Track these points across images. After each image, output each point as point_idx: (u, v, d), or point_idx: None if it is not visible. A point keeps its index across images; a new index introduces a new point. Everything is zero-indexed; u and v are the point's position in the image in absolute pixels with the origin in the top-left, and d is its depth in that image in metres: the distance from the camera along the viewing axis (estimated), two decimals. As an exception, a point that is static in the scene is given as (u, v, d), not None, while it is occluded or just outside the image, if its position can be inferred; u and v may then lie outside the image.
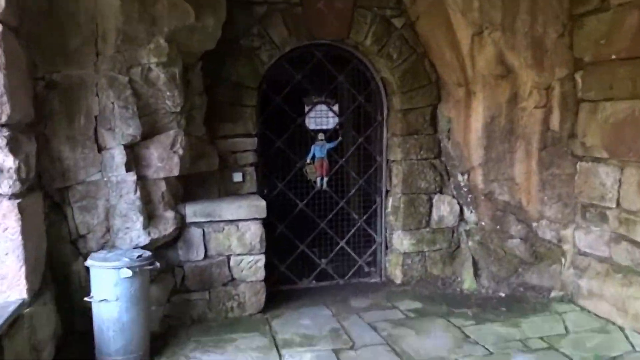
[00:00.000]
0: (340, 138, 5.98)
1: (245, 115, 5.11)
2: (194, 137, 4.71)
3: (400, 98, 5.54)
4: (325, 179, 5.95)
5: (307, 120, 5.91)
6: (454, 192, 5.83)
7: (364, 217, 6.03)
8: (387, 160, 5.90)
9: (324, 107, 5.95)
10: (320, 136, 5.89)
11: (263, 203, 4.83)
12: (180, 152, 4.36)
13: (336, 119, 5.95)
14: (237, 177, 5.11)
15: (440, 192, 5.81)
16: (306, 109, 5.91)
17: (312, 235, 5.86)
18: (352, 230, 6.00)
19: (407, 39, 5.45)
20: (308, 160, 5.89)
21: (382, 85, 5.78)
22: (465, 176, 5.68)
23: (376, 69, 5.70)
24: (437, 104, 5.69)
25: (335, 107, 5.96)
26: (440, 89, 5.66)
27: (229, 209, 4.72)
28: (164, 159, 4.31)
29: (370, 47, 5.39)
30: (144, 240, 4.17)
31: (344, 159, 5.98)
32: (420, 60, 5.53)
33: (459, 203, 5.82)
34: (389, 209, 5.88)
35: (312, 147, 5.87)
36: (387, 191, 5.94)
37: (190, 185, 4.88)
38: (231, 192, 5.13)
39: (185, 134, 4.47)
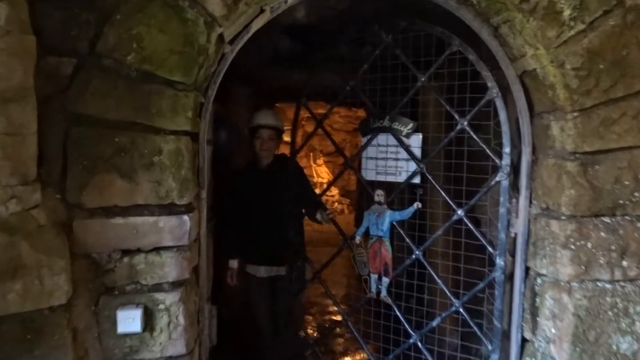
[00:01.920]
0: (416, 204, 2.83)
1: (159, 157, 1.94)
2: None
3: (575, 123, 2.12)
4: (386, 280, 2.96)
5: (363, 164, 3.05)
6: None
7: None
8: (528, 271, 2.49)
9: (390, 138, 2.92)
10: (378, 195, 2.95)
11: None
12: None
13: (410, 165, 2.86)
14: (129, 320, 1.90)
15: (666, 363, 2.28)
16: (362, 140, 3.03)
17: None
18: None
19: (599, -28, 2.06)
20: (357, 239, 3.07)
21: (522, 91, 2.41)
22: None
23: (510, 50, 2.34)
24: (669, 140, 2.21)
25: (415, 139, 2.83)
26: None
27: None
28: None
29: (502, -11, 2.06)
30: None
31: (421, 249, 2.82)
32: (632, 27, 2.10)
33: None
34: (528, 391, 2.45)
35: (365, 215, 3.03)
36: (524, 342, 2.51)
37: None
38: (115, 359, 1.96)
39: None
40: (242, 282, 3.41)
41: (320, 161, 13.80)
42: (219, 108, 4.24)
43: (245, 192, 3.34)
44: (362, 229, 3.05)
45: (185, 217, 1.96)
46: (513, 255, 2.57)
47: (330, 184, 3.70)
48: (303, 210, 3.44)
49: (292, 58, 4.74)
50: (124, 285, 1.95)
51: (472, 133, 2.54)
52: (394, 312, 2.98)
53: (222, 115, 3.96)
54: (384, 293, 2.99)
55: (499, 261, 2.59)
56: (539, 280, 2.41)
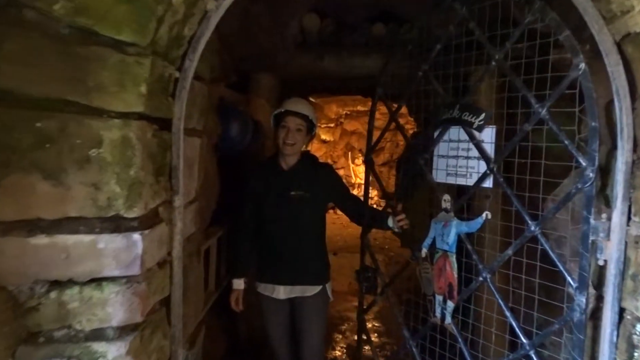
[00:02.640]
0: (486, 213, 2.22)
1: (98, 149, 1.37)
2: None
3: None
4: (451, 305, 2.37)
5: (434, 163, 2.50)
6: None
7: None
8: (622, 314, 1.80)
9: (460, 131, 2.35)
10: (446, 201, 2.40)
11: None
12: None
13: (480, 165, 2.28)
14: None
15: None
16: (434, 134, 2.46)
17: None
18: None
19: None
20: (423, 252, 2.52)
21: (620, 64, 1.72)
22: None
23: (607, 5, 1.65)
24: None
25: (487, 133, 2.24)
26: None
27: None
28: None
29: None
30: None
31: (488, 272, 2.20)
32: None
33: None
34: None
35: (432, 224, 2.50)
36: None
37: None
38: None
39: None
40: (255, 301, 2.88)
41: (358, 161, 13.20)
42: (236, 98, 3.71)
43: (261, 195, 2.77)
44: (428, 240, 2.51)
45: (136, 236, 1.38)
46: (598, 288, 1.89)
47: (404, 184, 3.15)
48: (354, 218, 2.97)
49: (321, 41, 4.15)
50: (52, 331, 1.38)
51: (552, 125, 1.87)
52: (455, 342, 2.41)
53: (234, 105, 3.41)
54: (448, 320, 2.41)
55: (579, 297, 1.91)
56: (639, 328, 1.72)
